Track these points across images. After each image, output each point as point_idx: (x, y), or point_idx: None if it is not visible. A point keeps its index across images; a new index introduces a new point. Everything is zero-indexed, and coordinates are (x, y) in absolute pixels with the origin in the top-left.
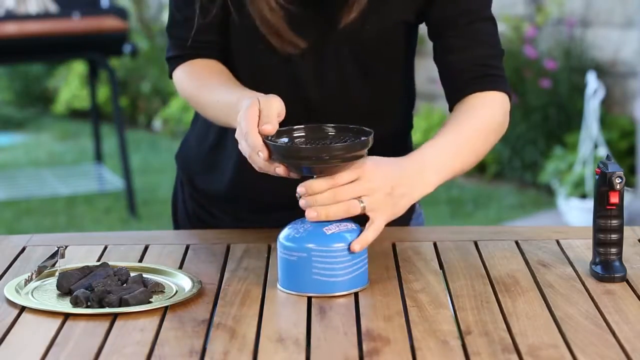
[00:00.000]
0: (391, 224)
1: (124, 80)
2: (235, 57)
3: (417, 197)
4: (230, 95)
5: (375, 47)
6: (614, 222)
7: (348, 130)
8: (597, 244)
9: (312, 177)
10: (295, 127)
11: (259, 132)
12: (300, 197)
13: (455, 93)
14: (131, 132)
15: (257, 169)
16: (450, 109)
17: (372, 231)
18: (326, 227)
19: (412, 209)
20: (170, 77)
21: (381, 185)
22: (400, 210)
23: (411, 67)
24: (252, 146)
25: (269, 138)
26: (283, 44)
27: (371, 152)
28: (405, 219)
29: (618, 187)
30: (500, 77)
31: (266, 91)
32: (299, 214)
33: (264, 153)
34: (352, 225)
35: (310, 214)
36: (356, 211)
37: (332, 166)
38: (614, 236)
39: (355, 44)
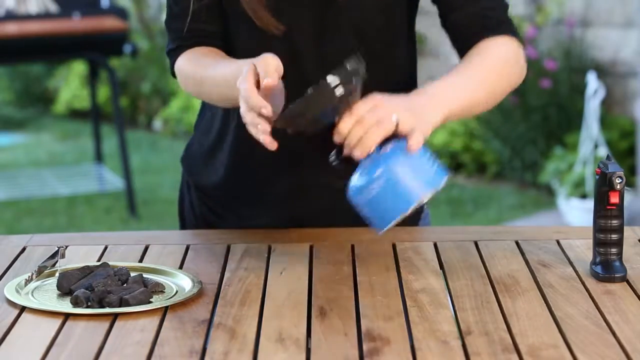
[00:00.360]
0: (400, 224)
1: (124, 80)
2: (234, 41)
3: (432, 123)
4: (229, 67)
5: (375, 19)
6: (614, 222)
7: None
8: (598, 244)
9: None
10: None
11: (263, 88)
12: (336, 156)
13: (465, 46)
14: (131, 132)
15: (258, 134)
16: (462, 55)
17: (417, 135)
18: (383, 151)
19: (420, 210)
20: (172, 73)
21: (399, 105)
22: (426, 127)
23: (413, 46)
24: (254, 106)
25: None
26: (263, 25)
27: None
28: (414, 220)
29: (618, 187)
30: (506, 25)
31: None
32: (298, 205)
33: (267, 109)
34: (396, 141)
35: (357, 153)
36: (391, 125)
37: (344, 104)
38: (614, 236)
39: (355, 17)
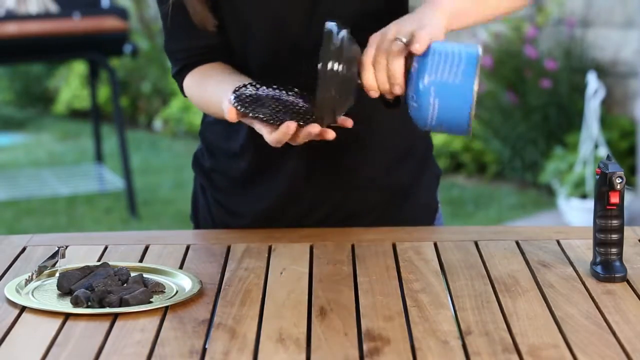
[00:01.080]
0: (413, 223)
1: (125, 80)
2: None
3: (435, 21)
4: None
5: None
6: (615, 222)
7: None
8: (598, 244)
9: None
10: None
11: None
12: (387, 105)
13: None
14: (131, 132)
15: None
16: None
17: (421, 34)
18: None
19: (436, 208)
20: (183, 93)
21: (397, 26)
22: (431, 26)
23: None
24: (284, 131)
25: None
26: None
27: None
28: (429, 220)
29: (618, 187)
30: None
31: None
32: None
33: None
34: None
35: (397, 90)
36: (402, 47)
37: (353, 55)
38: (614, 236)
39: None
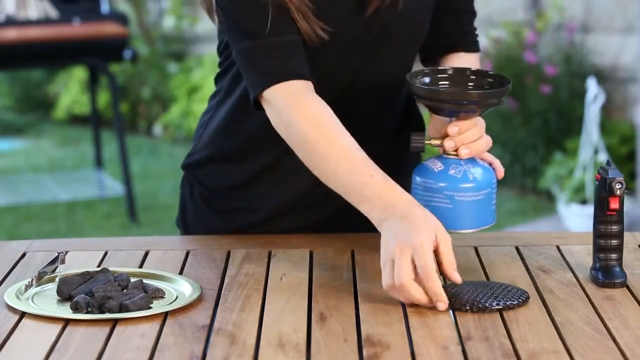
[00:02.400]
0: None
1: (124, 85)
2: None
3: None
4: (373, 180)
5: (408, 29)
6: (614, 227)
7: (488, 76)
8: (598, 249)
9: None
10: (440, 68)
11: (448, 277)
12: (417, 140)
13: (437, 47)
14: (131, 137)
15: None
16: (426, 58)
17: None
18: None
19: None
20: (255, 102)
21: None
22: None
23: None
24: (434, 294)
25: (413, 78)
26: (309, 32)
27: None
28: None
29: (618, 192)
30: (476, 40)
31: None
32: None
33: (444, 302)
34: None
35: (464, 152)
36: (490, 144)
37: (469, 111)
38: (614, 242)
39: (389, 27)
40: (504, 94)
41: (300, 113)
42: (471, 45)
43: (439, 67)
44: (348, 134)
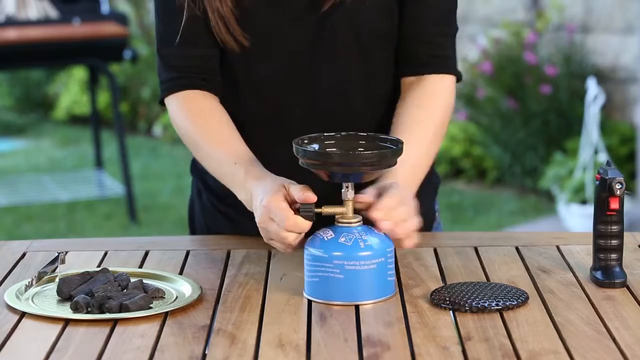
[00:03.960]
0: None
1: (124, 86)
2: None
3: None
4: (236, 167)
5: (374, 23)
6: (614, 227)
7: (379, 139)
8: (597, 249)
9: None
10: (326, 134)
11: (304, 201)
12: (310, 211)
13: (409, 68)
14: (131, 137)
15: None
16: (400, 76)
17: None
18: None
19: (433, 218)
20: (161, 102)
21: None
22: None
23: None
24: (301, 229)
25: (300, 143)
26: (228, 38)
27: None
28: (427, 229)
29: (618, 192)
30: (452, 62)
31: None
32: None
33: (305, 228)
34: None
35: (395, 230)
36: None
37: (361, 173)
38: (614, 242)
39: (354, 21)
40: (394, 154)
41: (187, 117)
42: (442, 69)
43: (325, 134)
44: (228, 127)
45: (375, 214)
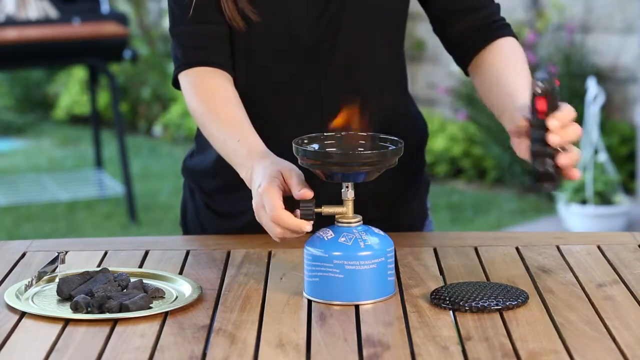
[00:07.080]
0: (402, 230)
1: (124, 86)
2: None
3: None
4: (239, 145)
5: (381, 9)
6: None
7: (378, 139)
8: (535, 155)
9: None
10: (326, 134)
11: (301, 198)
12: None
13: (470, 53)
14: (131, 137)
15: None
16: (468, 60)
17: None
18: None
19: (425, 216)
20: (174, 82)
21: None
22: None
23: (403, 40)
24: (293, 228)
25: (300, 142)
26: (236, 15)
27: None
28: (418, 227)
29: (539, 91)
30: (509, 27)
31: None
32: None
33: (304, 228)
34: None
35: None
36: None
37: (361, 173)
38: (548, 149)
39: (362, 7)
40: (393, 154)
41: (196, 94)
42: (508, 33)
43: (324, 134)
44: (235, 105)
45: (551, 123)
